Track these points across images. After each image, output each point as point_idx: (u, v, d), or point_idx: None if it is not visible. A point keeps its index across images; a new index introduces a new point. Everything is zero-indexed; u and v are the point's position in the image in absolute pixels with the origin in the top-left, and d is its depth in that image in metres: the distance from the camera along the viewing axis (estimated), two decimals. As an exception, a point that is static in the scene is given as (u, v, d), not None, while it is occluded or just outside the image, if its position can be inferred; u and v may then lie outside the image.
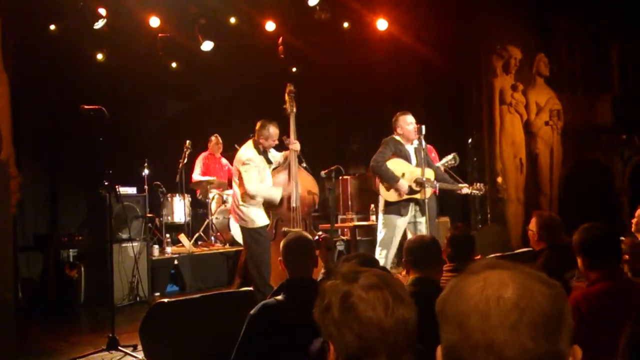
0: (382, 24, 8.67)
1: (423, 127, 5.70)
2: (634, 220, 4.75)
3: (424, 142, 5.76)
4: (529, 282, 0.97)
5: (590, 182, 10.00)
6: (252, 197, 5.78)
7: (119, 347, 4.73)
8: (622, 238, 4.37)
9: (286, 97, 6.18)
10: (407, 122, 5.88)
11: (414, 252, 3.27)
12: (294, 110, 6.14)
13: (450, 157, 6.47)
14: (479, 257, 4.65)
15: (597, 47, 10.27)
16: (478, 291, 0.97)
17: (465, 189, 6.15)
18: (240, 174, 5.80)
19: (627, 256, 3.46)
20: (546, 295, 0.96)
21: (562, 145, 9.99)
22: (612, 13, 9.63)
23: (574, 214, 7.61)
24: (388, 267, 5.81)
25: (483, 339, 0.94)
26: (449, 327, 0.99)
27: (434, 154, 6.79)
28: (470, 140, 9.19)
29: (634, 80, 10.12)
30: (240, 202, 5.83)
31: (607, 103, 10.21)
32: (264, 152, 5.90)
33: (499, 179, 9.41)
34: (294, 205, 6.02)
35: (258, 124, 5.86)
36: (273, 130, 5.81)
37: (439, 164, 6.40)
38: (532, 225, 4.30)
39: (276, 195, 5.89)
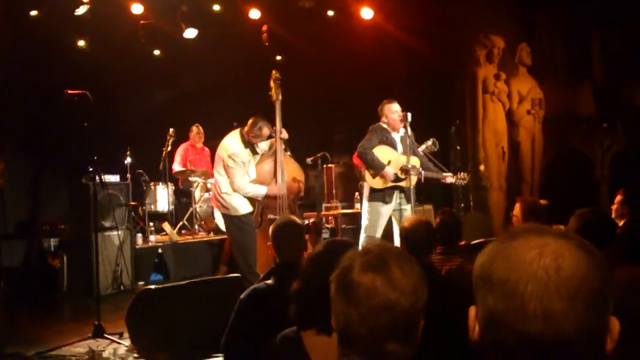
0: (366, 13, 8.66)
1: (409, 114, 5.73)
2: (614, 207, 4.84)
3: (409, 130, 5.78)
4: (583, 252, 0.95)
5: (570, 170, 10.11)
6: (234, 191, 5.77)
7: (105, 335, 4.71)
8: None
9: (272, 84, 6.13)
10: (393, 111, 5.90)
11: (407, 236, 3.30)
12: (280, 97, 6.10)
13: (430, 142, 6.52)
14: (462, 243, 4.72)
15: (579, 37, 10.36)
16: (535, 259, 0.93)
17: (449, 178, 6.20)
18: (224, 163, 5.77)
19: None
20: (597, 266, 0.94)
21: (543, 134, 10.08)
22: (593, 3, 9.72)
23: (555, 202, 7.68)
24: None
25: (540, 308, 0.91)
26: (495, 293, 0.95)
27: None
28: (453, 129, 9.24)
29: (615, 70, 10.23)
30: (223, 190, 5.80)
31: (588, 92, 10.32)
32: (250, 145, 5.87)
33: (482, 167, 9.49)
34: (282, 193, 6.00)
35: (251, 120, 5.83)
36: (265, 131, 5.81)
37: (419, 149, 6.44)
38: (517, 210, 4.31)
39: (261, 192, 5.86)
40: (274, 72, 6.18)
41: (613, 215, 4.75)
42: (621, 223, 4.54)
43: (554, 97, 10.11)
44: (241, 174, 5.74)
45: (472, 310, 1.02)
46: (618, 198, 4.81)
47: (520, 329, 0.92)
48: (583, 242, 0.97)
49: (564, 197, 8.41)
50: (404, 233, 3.35)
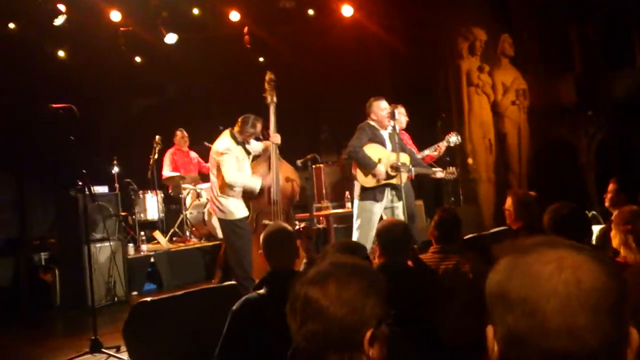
0: (347, 10, 8.65)
1: (396, 111, 5.72)
2: (608, 196, 4.84)
3: (397, 127, 5.77)
4: (600, 263, 0.94)
5: (557, 159, 10.20)
6: (231, 187, 5.71)
7: (103, 349, 4.66)
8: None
9: (266, 85, 6.06)
10: (381, 108, 5.89)
11: (382, 237, 3.30)
12: (274, 100, 6.03)
13: (454, 137, 6.50)
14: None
15: (556, 28, 10.43)
16: (554, 273, 0.92)
17: (439, 173, 6.21)
18: (218, 164, 5.73)
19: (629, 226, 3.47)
20: (614, 276, 0.93)
21: (528, 124, 10.15)
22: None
23: (543, 191, 7.74)
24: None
25: (564, 324, 0.90)
26: (515, 311, 0.93)
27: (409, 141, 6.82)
28: (439, 123, 9.27)
29: (594, 59, 10.33)
30: (219, 194, 5.75)
31: (570, 82, 10.40)
32: (242, 143, 5.82)
33: (470, 160, 9.53)
34: (274, 198, 5.96)
35: (241, 118, 5.78)
36: (259, 127, 5.76)
37: (446, 142, 6.43)
38: (508, 204, 4.30)
39: (256, 184, 5.82)
40: (268, 73, 6.12)
41: (607, 204, 4.77)
42: (615, 212, 4.56)
43: (537, 88, 10.18)
44: (234, 166, 5.69)
45: (490, 331, 1.00)
46: (611, 186, 4.80)
47: (544, 347, 0.90)
48: (597, 253, 0.96)
49: (552, 186, 8.49)
50: (378, 235, 3.35)
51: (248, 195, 5.90)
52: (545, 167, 10.05)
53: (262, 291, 2.83)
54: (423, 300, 3.09)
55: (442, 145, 6.51)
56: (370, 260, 3.26)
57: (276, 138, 5.98)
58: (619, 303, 0.92)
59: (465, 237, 6.06)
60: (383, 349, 1.40)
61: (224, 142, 5.75)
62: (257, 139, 6.05)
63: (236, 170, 5.70)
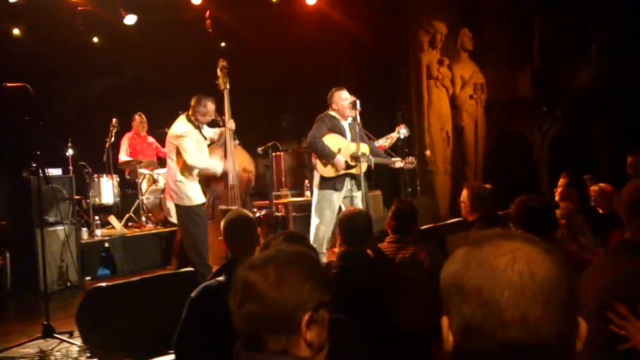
0: (310, -2, 8.62)
1: (357, 101, 5.75)
2: (558, 190, 4.98)
3: (358, 117, 5.80)
4: (552, 256, 0.96)
5: (512, 152, 10.43)
6: (191, 170, 5.66)
7: (55, 335, 4.58)
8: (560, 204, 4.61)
9: (218, 72, 6.04)
10: (343, 98, 5.90)
11: (344, 226, 3.33)
12: (227, 86, 6.03)
13: (403, 129, 6.60)
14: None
15: (519, 21, 10.62)
16: (509, 265, 0.94)
17: (398, 163, 6.28)
18: (176, 149, 5.66)
19: (563, 221, 3.63)
20: (566, 269, 0.96)
21: (485, 118, 10.33)
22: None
23: (498, 184, 7.90)
24: (325, 242, 5.90)
25: (518, 315, 0.91)
26: (470, 302, 0.94)
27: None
28: (400, 113, 9.36)
29: (553, 54, 10.56)
30: (177, 178, 5.68)
31: (527, 76, 10.62)
32: (198, 127, 5.77)
33: (427, 152, 9.66)
34: (231, 183, 5.94)
35: (193, 100, 5.71)
36: (210, 106, 5.69)
37: (396, 133, 6.51)
38: (464, 196, 4.37)
39: (217, 167, 5.79)
40: (220, 60, 6.09)
41: (557, 198, 4.89)
42: (563, 205, 4.71)
43: (494, 82, 10.37)
44: (194, 149, 5.64)
45: (445, 321, 1.01)
46: (562, 181, 4.93)
47: (499, 337, 0.92)
48: (549, 246, 0.99)
49: (506, 179, 8.68)
50: (340, 224, 3.38)
51: (205, 181, 5.85)
52: (501, 160, 10.27)
53: (221, 278, 2.81)
54: (382, 288, 3.14)
55: (394, 136, 6.61)
56: (315, 249, 3.29)
57: (231, 124, 5.96)
58: (570, 295, 0.94)
59: (421, 228, 6.18)
60: (322, 333, 1.44)
61: (181, 126, 5.69)
62: (213, 125, 6.01)
63: (197, 152, 5.66)
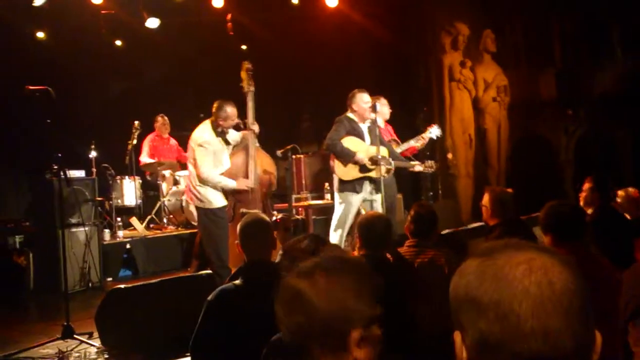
0: (331, 1, 8.60)
1: (378, 104, 5.70)
2: (582, 195, 4.87)
3: (380, 119, 5.75)
4: (567, 266, 0.93)
5: (535, 155, 10.29)
6: (203, 182, 5.66)
7: (75, 336, 4.62)
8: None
9: (243, 75, 6.01)
10: (364, 101, 5.84)
11: (363, 230, 3.31)
12: (252, 89, 5.96)
13: (436, 129, 6.54)
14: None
15: (539, 23, 10.50)
16: (525, 275, 0.91)
17: (418, 167, 6.23)
18: (195, 154, 5.67)
19: None
20: (581, 279, 0.93)
21: (508, 121, 10.22)
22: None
23: (521, 188, 7.80)
24: (342, 245, 5.85)
25: (538, 325, 0.88)
26: (488, 316, 0.91)
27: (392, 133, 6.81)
28: (421, 116, 9.30)
29: (574, 55, 10.42)
30: (197, 183, 5.68)
31: (550, 78, 10.48)
32: (221, 133, 5.74)
33: (449, 155, 9.57)
34: (252, 186, 5.92)
35: (215, 105, 5.68)
36: (231, 110, 5.65)
37: (428, 134, 6.44)
38: (485, 200, 4.33)
39: (229, 184, 5.74)
40: (245, 63, 6.06)
41: (581, 203, 4.79)
42: (589, 211, 4.61)
43: (518, 84, 10.25)
44: (210, 163, 5.62)
45: (457, 336, 0.98)
46: (587, 185, 4.82)
47: (519, 350, 0.89)
48: (563, 256, 0.96)
49: (530, 182, 8.58)
50: (359, 228, 3.35)
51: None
52: (524, 163, 10.15)
53: (238, 282, 2.82)
54: (401, 292, 3.11)
55: (426, 137, 6.53)
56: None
57: (254, 127, 5.94)
58: (586, 306, 0.92)
59: (441, 232, 6.12)
60: (372, 353, 1.36)
61: (203, 134, 5.65)
62: (237, 128, 6.00)
63: (211, 166, 5.63)
